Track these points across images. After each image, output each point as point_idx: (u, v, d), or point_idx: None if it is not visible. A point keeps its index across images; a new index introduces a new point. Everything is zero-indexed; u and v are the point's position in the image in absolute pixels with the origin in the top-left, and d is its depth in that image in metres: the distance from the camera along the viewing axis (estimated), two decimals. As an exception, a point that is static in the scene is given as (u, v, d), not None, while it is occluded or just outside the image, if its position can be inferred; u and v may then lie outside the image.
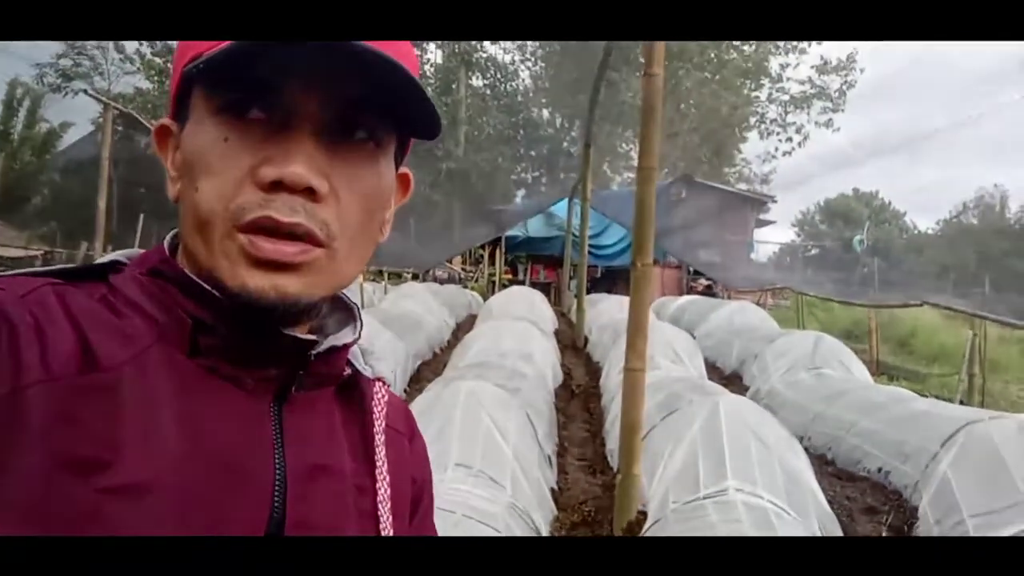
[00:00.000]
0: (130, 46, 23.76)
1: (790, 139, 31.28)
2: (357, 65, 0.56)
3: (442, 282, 18.64)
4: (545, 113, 34.89)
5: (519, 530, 3.49)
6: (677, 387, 5.22)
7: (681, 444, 4.19)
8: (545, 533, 3.85)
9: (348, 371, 0.71)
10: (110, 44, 23.39)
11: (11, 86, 22.52)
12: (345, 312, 0.73)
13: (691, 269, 19.10)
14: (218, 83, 0.58)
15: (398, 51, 0.61)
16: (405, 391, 7.12)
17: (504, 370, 6.12)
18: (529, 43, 33.10)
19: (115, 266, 0.65)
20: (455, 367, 6.83)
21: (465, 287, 18.46)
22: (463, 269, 22.61)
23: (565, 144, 32.23)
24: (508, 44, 33.19)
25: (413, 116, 0.63)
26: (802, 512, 3.66)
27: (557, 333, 10.94)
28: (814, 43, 29.52)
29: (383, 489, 0.69)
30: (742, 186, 29.45)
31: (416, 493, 0.79)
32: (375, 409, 0.72)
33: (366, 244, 0.65)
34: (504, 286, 16.76)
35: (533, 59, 33.41)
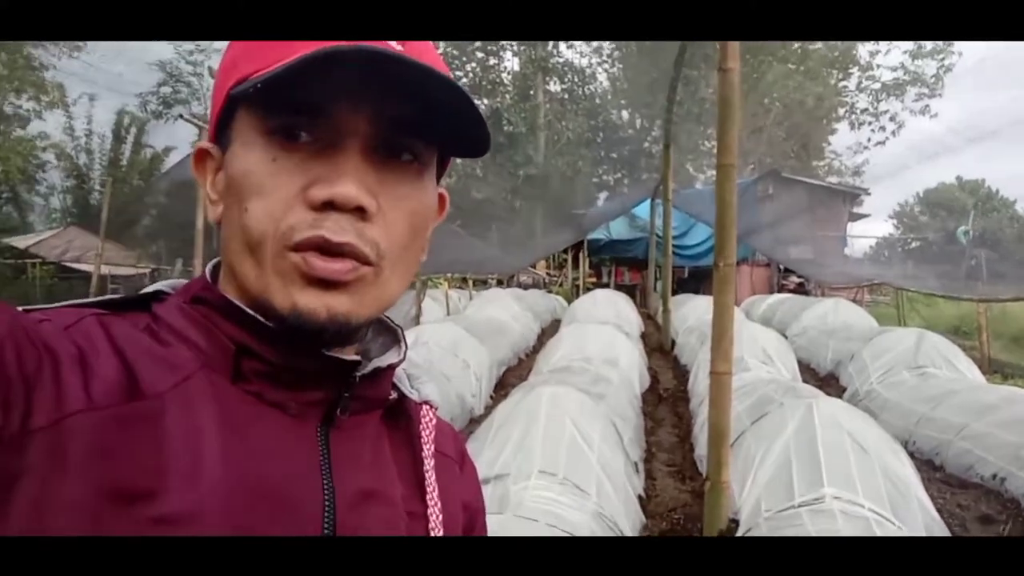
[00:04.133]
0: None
1: (883, 128, 29.84)
2: (411, 83, 0.55)
3: (526, 287, 18.66)
4: (625, 115, 34.52)
5: (605, 539, 3.41)
6: (768, 390, 5.01)
7: (773, 450, 4.01)
8: (633, 542, 3.76)
9: (394, 395, 0.70)
10: (205, 71, 24.60)
11: (119, 115, 23.99)
12: (389, 335, 0.72)
13: (781, 267, 18.46)
14: (269, 105, 0.57)
15: (434, 61, 0.61)
16: (491, 397, 7.14)
17: (588, 375, 6.04)
18: (606, 45, 32.86)
19: (158, 296, 0.65)
20: (539, 372, 6.80)
21: (549, 292, 18.42)
22: (548, 274, 22.57)
23: (646, 145, 31.76)
24: (584, 47, 33.09)
25: (464, 135, 0.61)
26: (908, 521, 3.43)
27: (643, 336, 10.76)
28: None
29: (435, 515, 0.68)
30: (833, 179, 28.30)
31: (468, 519, 0.77)
32: (423, 433, 0.71)
33: (411, 263, 0.64)
34: (588, 290, 16.63)
35: (610, 61, 33.11)
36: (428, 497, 0.68)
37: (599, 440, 4.22)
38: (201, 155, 0.67)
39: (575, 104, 32.28)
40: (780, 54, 26.08)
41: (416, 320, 10.46)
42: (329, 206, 0.56)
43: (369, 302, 0.60)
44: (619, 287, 18.92)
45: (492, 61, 31.66)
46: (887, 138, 29.94)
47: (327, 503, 0.59)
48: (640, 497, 4.40)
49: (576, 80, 32.68)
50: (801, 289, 17.48)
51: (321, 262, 0.57)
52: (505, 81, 31.78)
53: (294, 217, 0.57)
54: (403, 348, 0.70)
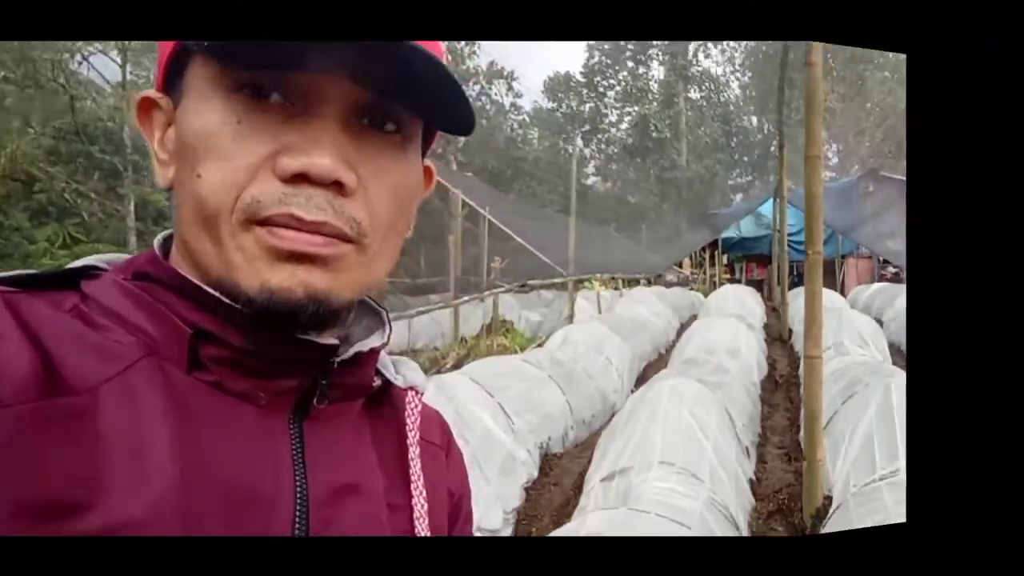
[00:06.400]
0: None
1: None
2: (393, 59, 0.45)
3: (669, 285, 18.45)
4: (754, 120, 33.08)
5: (715, 523, 3.24)
6: (858, 371, 4.88)
7: (859, 427, 3.95)
8: (742, 523, 3.57)
9: (378, 381, 0.57)
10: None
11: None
12: (373, 318, 0.59)
13: (880, 258, 17.36)
14: (233, 59, 0.45)
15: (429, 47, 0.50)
16: (632, 391, 6.98)
17: (709, 365, 5.87)
18: (737, 55, 31.63)
19: (89, 271, 0.50)
20: (672, 365, 6.63)
21: (691, 289, 18.13)
22: (692, 272, 22.16)
23: (773, 148, 30.31)
24: (719, 57, 32.03)
25: (447, 113, 0.50)
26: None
27: (766, 327, 10.41)
28: None
29: (419, 505, 0.56)
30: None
31: (454, 506, 0.65)
32: (408, 420, 0.59)
33: (396, 241, 0.53)
34: (720, 285, 16.39)
35: (742, 69, 31.89)
36: (412, 487, 0.57)
37: (714, 428, 4.04)
38: (146, 105, 0.51)
39: (712, 110, 31.22)
40: (878, 62, 25.00)
41: (569, 320, 10.61)
42: (302, 178, 0.45)
43: (352, 283, 0.49)
44: (749, 282, 18.42)
45: (641, 70, 30.91)
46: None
47: (299, 502, 0.48)
48: (751, 480, 4.21)
49: (712, 88, 31.59)
50: (897, 278, 16.35)
51: (293, 233, 0.45)
52: (653, 89, 31.02)
53: (258, 188, 0.45)
54: (387, 331, 0.57)
